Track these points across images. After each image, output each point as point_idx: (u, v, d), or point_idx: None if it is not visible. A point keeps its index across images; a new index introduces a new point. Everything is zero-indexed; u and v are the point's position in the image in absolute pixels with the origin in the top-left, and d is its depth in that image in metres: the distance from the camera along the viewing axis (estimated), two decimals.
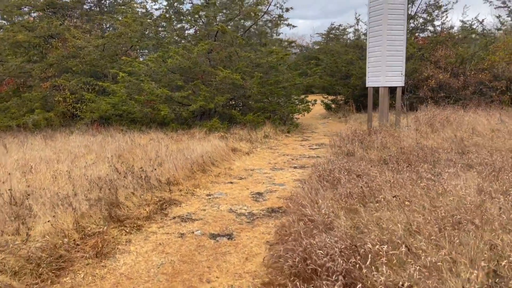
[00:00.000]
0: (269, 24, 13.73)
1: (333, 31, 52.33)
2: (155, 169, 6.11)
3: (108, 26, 15.95)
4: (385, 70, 10.35)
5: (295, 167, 7.44)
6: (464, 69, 14.66)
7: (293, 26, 13.28)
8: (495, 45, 14.56)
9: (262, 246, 3.84)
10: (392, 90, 11.83)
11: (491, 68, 14.30)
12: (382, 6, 10.14)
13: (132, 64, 11.70)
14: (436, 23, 16.42)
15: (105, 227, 4.15)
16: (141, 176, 5.62)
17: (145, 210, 4.82)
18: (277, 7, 14.25)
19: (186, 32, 14.26)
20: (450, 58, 14.72)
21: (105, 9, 16.17)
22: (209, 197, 5.55)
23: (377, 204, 4.12)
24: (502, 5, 18.80)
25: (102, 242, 3.79)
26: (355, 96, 16.54)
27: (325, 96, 18.48)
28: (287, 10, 12.99)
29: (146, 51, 15.90)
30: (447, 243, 2.96)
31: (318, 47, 36.84)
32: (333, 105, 18.45)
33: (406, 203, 4.07)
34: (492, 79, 14.14)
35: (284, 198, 5.42)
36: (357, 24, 17.70)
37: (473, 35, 17.23)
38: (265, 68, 11.99)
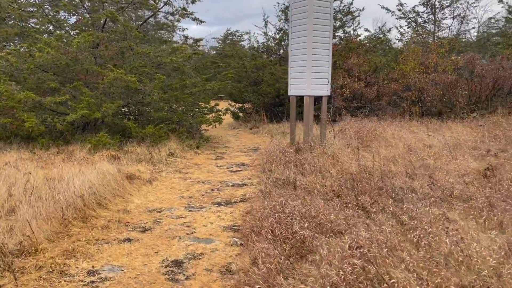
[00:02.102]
0: (171, 18, 11.50)
1: (230, 37, 51.60)
2: None
3: None
4: (310, 77, 8.94)
5: (219, 204, 5.43)
6: (377, 78, 14.19)
7: (201, 21, 11.30)
8: (406, 54, 14.37)
9: None
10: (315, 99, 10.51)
11: (402, 78, 14.05)
12: (307, 7, 8.71)
13: None
14: (346, 29, 15.84)
15: None
16: None
17: None
18: None
19: (68, 21, 11.29)
20: (363, 66, 14.13)
21: None
22: (92, 280, 3.26)
23: None
24: (403, 16, 19.24)
25: None
26: (266, 105, 15.11)
27: (232, 104, 16.75)
28: (193, 1, 10.92)
29: (11, 44, 12.40)
30: None
31: (214, 52, 35.55)
32: (241, 114, 16.81)
33: None
34: (404, 89, 13.87)
35: (218, 271, 3.40)
36: (266, 27, 16.34)
37: (378, 45, 17.12)
38: (169, 70, 9.78)
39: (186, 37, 11.48)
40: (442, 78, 13.34)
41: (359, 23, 16.32)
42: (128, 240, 4.10)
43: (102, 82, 8.59)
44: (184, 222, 4.65)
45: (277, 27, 16.30)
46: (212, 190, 6.15)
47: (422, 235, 3.56)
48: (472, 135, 9.56)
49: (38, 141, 8.30)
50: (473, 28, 19.04)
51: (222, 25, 79.63)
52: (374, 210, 4.50)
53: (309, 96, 9.01)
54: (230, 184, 6.54)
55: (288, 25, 16.37)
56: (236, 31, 56.54)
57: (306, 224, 3.77)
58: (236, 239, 4.05)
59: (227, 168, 7.89)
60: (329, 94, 9.52)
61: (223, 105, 13.04)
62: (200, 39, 11.05)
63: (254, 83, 15.72)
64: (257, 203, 5.27)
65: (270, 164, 6.99)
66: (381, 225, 3.85)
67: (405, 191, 5.35)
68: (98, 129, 9.00)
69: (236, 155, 9.48)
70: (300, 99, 10.44)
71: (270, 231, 3.59)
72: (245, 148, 10.51)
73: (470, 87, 13.25)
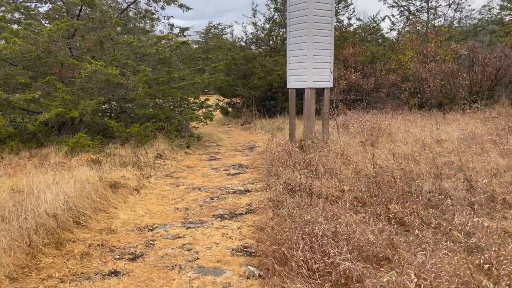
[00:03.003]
0: (154, 5, 10.49)
1: (212, 30, 50.32)
2: None
3: None
4: (312, 67, 8.13)
5: (222, 217, 4.57)
6: (374, 69, 13.46)
7: (188, 8, 10.32)
8: (403, 43, 13.66)
9: None
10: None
11: (400, 68, 13.38)
12: None
13: None
14: (340, 17, 15.06)
15: None
16: None
17: None
18: None
19: (39, 9, 10.16)
20: (359, 56, 13.38)
21: None
22: None
23: None
24: (395, 4, 18.57)
25: None
26: (257, 99, 14.24)
27: (221, 99, 15.82)
28: None
29: None
30: None
31: (197, 45, 34.61)
32: (230, 109, 15.91)
33: None
34: (403, 80, 13.21)
35: None
36: (254, 17, 15.43)
37: (372, 35, 16.40)
38: (154, 61, 8.82)
39: (172, 25, 10.50)
40: (442, 68, 12.71)
41: (354, 11, 15.54)
42: (115, 273, 3.22)
43: (79, 76, 7.60)
44: (183, 244, 3.78)
45: (267, 16, 15.42)
46: (211, 199, 5.29)
47: (494, 261, 2.79)
48: (483, 127, 8.90)
49: (7, 144, 7.28)
50: (467, 16, 18.43)
51: (204, 19, 78.18)
52: (415, 223, 3.72)
53: (310, 88, 8.20)
54: (231, 190, 5.68)
55: (278, 14, 15.50)
56: (219, 24, 55.28)
57: (344, 248, 2.96)
58: (252, 268, 3.22)
59: (224, 170, 7.03)
60: (332, 86, 8.73)
61: (211, 100, 12.12)
62: (187, 28, 10.12)
63: (244, 76, 14.83)
64: (268, 215, 4.45)
65: (276, 165, 6.16)
66: (433, 243, 3.09)
67: (437, 195, 4.61)
68: (76, 129, 8.01)
69: (231, 154, 8.61)
70: (300, 92, 9.67)
71: (302, 262, 2.76)
72: (240, 147, 9.65)
73: (472, 77, 12.66)
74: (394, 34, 17.85)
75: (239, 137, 11.32)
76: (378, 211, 4.19)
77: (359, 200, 4.62)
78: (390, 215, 4.08)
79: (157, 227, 4.27)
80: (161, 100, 8.69)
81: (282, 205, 4.63)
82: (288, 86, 8.71)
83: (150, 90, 8.45)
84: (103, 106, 8.79)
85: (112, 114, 9.10)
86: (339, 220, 3.75)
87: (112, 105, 8.96)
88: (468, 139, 7.69)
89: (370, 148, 7.22)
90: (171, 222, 4.43)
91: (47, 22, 9.61)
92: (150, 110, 8.28)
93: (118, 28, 10.60)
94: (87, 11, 9.35)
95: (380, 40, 17.67)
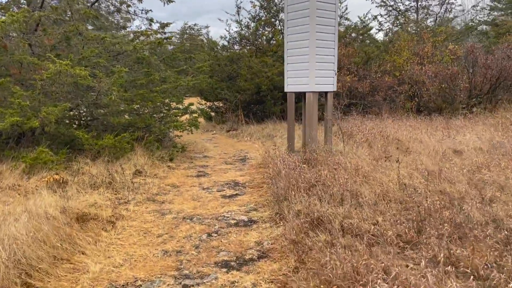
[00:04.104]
0: None
1: (188, 31, 48.72)
2: None
3: None
4: (314, 68, 7.12)
5: (227, 265, 3.44)
6: (369, 71, 12.58)
7: (170, 1, 9.11)
8: (398, 43, 12.85)
9: None
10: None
11: (396, 70, 12.56)
12: None
13: None
14: None
15: None
16: None
17: None
18: None
19: None
20: (354, 57, 12.48)
21: None
22: None
23: None
24: (383, 4, 17.84)
25: None
26: (243, 103, 13.13)
27: (203, 102, 14.63)
28: None
29: None
30: None
31: (172, 47, 33.25)
32: (213, 114, 14.73)
33: None
34: (400, 82, 12.38)
35: None
36: (238, 14, 14.31)
37: (362, 36, 15.56)
38: (131, 61, 7.59)
39: (151, 20, 9.24)
40: (440, 70, 11.95)
41: (346, 9, 14.68)
42: None
43: (40, 78, 6.31)
44: None
45: (252, 14, 14.35)
46: (209, 235, 4.14)
47: None
48: (503, 135, 8.09)
49: None
50: (456, 16, 17.90)
51: (179, 20, 76.49)
52: (499, 279, 2.72)
53: (312, 92, 7.18)
54: (232, 221, 4.55)
55: (263, 12, 14.47)
56: (195, 24, 53.77)
57: None
58: None
59: (217, 191, 5.88)
60: (336, 90, 7.74)
61: (195, 105, 10.94)
62: (168, 24, 8.90)
63: (229, 78, 13.70)
64: (289, 262, 3.37)
65: (282, 186, 5.07)
66: None
67: (498, 229, 3.64)
68: (37, 141, 6.71)
69: (222, 169, 7.47)
70: (297, 95, 8.66)
71: None
72: (230, 158, 8.52)
73: (471, 79, 11.96)
74: (381, 35, 17.10)
75: (227, 146, 10.18)
76: (436, 255, 3.20)
77: (404, 239, 3.59)
78: (459, 264, 3.06)
79: (141, 286, 3.11)
80: (139, 106, 7.46)
81: (304, 246, 3.56)
82: (286, 90, 7.66)
83: (127, 95, 7.22)
84: (70, 113, 7.49)
85: (82, 122, 7.80)
86: (396, 275, 2.72)
87: (81, 112, 7.67)
88: (491, 150, 6.84)
89: (384, 161, 6.25)
90: (160, 275, 3.27)
91: (2, 15, 8.24)
92: (127, 117, 7.05)
93: (89, 27, 9.34)
94: (52, 3, 8.05)
95: (367, 41, 16.88)
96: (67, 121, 7.43)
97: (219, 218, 4.66)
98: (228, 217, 4.68)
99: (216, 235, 4.13)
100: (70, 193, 5.05)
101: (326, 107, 7.71)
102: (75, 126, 7.54)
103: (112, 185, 5.73)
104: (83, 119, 7.74)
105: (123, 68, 6.88)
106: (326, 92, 7.58)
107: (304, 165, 5.99)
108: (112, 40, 7.20)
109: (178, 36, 43.09)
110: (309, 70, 7.09)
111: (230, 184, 6.28)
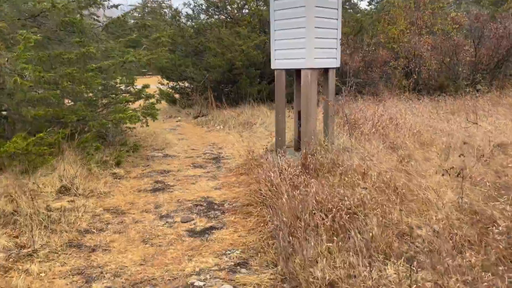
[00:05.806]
0: None
1: (150, 4, 45.72)
2: None
3: None
4: (314, 37, 5.15)
5: None
6: (360, 43, 10.72)
7: None
8: (393, 11, 11.00)
9: None
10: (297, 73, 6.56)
11: (392, 43, 10.77)
12: None
13: None
14: None
15: None
16: None
17: None
18: None
19: None
20: (343, 27, 10.56)
21: None
22: None
23: None
24: None
25: None
26: (213, 83, 11.01)
27: (165, 82, 12.36)
28: None
29: None
30: None
31: (133, 21, 30.49)
32: (177, 96, 12.52)
33: None
34: (397, 57, 10.61)
35: None
36: None
37: (346, 3, 13.63)
38: (52, 25, 5.35)
39: None
40: (442, 41, 10.27)
41: None
42: None
43: None
44: None
45: None
46: None
47: None
48: None
49: None
50: None
51: None
52: None
53: (311, 69, 5.22)
54: None
55: None
56: None
57: None
58: None
59: (182, 221, 3.88)
60: (338, 66, 5.82)
61: (151, 84, 8.74)
62: None
63: (195, 53, 11.50)
64: None
65: (285, 221, 3.16)
66: None
67: None
68: None
69: (190, 175, 5.45)
70: (288, 73, 6.70)
71: None
72: (200, 158, 6.50)
73: (477, 52, 10.35)
74: (364, 4, 15.23)
75: (195, 138, 8.13)
76: None
77: None
78: None
79: None
80: (67, 93, 5.25)
81: None
82: (273, 66, 5.68)
83: (49, 75, 4.99)
84: None
85: None
86: None
87: None
88: None
89: (461, 180, 4.43)
90: None
91: None
92: (48, 108, 4.86)
93: None
94: None
95: (350, 10, 14.96)
96: None
97: None
98: (200, 286, 2.72)
99: None
100: None
101: (327, 89, 5.80)
102: None
103: (13, 220, 3.63)
104: None
105: (38, 36, 4.65)
106: (327, 69, 5.65)
107: (304, 172, 4.10)
108: None
109: (138, 10, 39.96)
110: (306, 39, 5.12)
111: (201, 205, 4.29)
